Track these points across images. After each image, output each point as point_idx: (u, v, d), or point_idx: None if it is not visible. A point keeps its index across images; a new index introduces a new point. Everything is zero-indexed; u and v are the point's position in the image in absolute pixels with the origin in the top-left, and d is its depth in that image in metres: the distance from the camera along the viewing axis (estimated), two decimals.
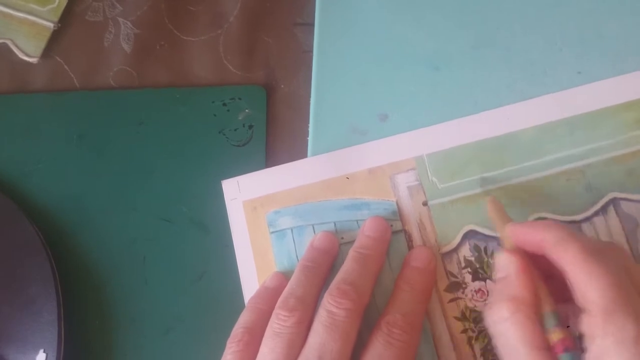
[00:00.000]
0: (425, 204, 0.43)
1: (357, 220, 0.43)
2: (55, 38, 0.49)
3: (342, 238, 0.43)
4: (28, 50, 0.49)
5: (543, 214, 0.42)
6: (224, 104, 0.47)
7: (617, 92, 0.44)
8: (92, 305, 0.44)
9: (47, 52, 0.49)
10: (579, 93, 0.44)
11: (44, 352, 0.42)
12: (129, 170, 0.46)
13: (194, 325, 0.44)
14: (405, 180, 0.44)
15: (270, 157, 0.46)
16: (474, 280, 0.42)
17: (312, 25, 0.48)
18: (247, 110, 0.47)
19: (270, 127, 0.47)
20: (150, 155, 0.47)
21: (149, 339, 0.44)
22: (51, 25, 0.49)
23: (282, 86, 0.48)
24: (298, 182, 0.45)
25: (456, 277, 0.42)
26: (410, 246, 0.43)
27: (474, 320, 0.41)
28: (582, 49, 0.45)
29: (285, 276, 0.42)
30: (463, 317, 0.41)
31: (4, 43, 0.49)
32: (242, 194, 0.45)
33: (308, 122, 0.46)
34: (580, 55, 0.45)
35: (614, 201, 0.42)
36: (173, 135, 0.47)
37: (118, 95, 0.48)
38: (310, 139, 0.46)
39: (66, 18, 0.49)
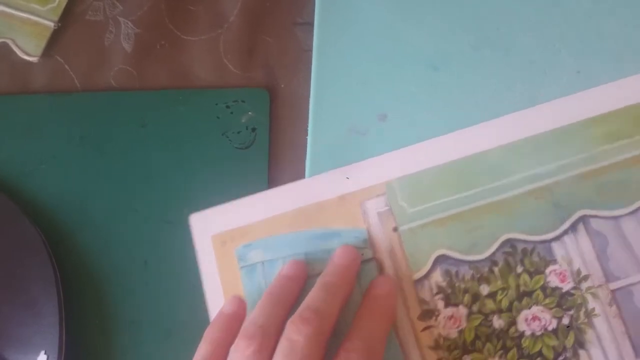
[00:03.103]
0: (395, 229, 0.43)
1: (328, 250, 0.43)
2: (55, 37, 0.49)
3: (313, 269, 0.42)
4: (28, 49, 0.49)
5: (513, 235, 0.42)
6: (227, 107, 0.47)
7: (582, 107, 0.44)
8: (94, 307, 0.45)
9: (48, 52, 0.49)
10: (545, 110, 0.44)
11: (45, 353, 0.42)
12: (131, 171, 0.46)
13: (195, 329, 0.43)
14: (375, 207, 0.43)
15: (272, 159, 0.46)
16: (446, 306, 0.42)
17: (313, 24, 0.48)
18: (250, 113, 0.47)
19: (271, 127, 0.47)
20: (153, 157, 0.47)
21: (150, 342, 0.44)
22: (51, 24, 0.49)
23: (283, 86, 0.48)
24: (268, 213, 0.44)
25: (428, 304, 0.42)
26: (382, 273, 0.42)
27: (448, 348, 0.41)
28: (581, 49, 0.45)
29: (243, 300, 0.42)
30: (437, 346, 0.41)
31: (4, 42, 0.49)
32: (211, 228, 0.44)
33: (308, 122, 0.46)
34: (580, 56, 0.45)
35: (583, 219, 0.42)
36: (175, 137, 0.47)
37: (120, 96, 0.48)
38: (309, 138, 0.46)
39: (66, 17, 0.49)
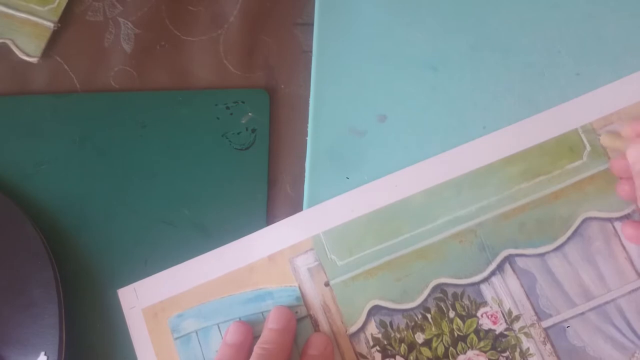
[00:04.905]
0: (327, 284, 0.43)
1: (262, 312, 0.43)
2: (55, 38, 0.49)
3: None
4: (28, 50, 0.49)
5: (443, 280, 0.42)
6: (227, 107, 0.47)
7: (497, 148, 0.44)
8: (94, 308, 0.45)
9: (47, 52, 0.49)
10: (462, 152, 0.44)
11: (45, 354, 0.42)
12: (132, 172, 0.46)
13: None
14: (305, 263, 0.43)
15: (273, 160, 0.46)
16: (383, 358, 0.42)
17: (312, 25, 0.48)
18: (250, 114, 0.47)
19: (271, 128, 0.47)
20: (153, 157, 0.47)
21: None
22: (51, 25, 0.49)
23: (282, 86, 0.48)
24: (199, 280, 0.44)
25: (366, 357, 0.42)
26: (317, 331, 0.42)
27: None
28: (580, 51, 0.45)
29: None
30: None
31: (4, 43, 0.49)
32: (141, 300, 0.44)
33: (308, 123, 0.46)
34: (579, 57, 0.45)
35: (509, 258, 0.42)
36: (176, 138, 0.47)
37: (121, 97, 0.48)
38: (309, 139, 0.46)
39: (66, 18, 0.49)
